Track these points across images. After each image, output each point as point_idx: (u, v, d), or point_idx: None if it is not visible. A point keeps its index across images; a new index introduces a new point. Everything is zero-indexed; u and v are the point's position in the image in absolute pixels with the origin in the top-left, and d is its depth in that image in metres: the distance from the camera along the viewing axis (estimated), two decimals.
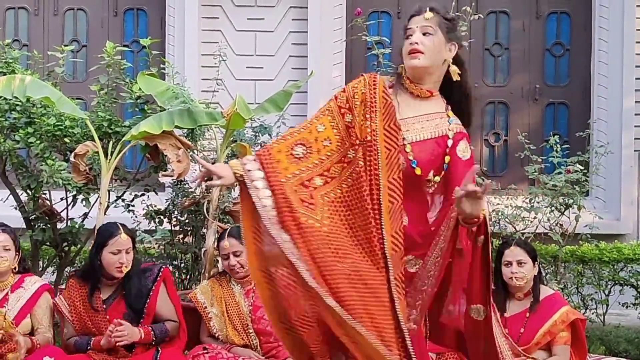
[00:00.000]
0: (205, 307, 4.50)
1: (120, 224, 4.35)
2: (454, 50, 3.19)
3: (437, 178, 3.14)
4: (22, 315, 4.15)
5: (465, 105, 3.28)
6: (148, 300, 4.26)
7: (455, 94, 3.25)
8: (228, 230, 4.63)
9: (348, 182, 3.07)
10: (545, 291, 4.37)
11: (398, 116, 3.13)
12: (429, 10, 3.16)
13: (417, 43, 3.12)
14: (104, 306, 4.23)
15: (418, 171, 3.11)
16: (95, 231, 4.52)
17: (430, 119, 3.19)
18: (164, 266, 4.48)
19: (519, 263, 4.28)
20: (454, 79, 3.19)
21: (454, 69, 3.19)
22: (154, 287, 4.29)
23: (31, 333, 4.21)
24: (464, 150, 3.20)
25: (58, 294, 4.46)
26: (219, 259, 4.94)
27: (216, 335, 4.47)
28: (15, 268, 4.29)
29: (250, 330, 4.45)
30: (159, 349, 4.26)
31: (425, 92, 3.21)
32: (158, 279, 4.33)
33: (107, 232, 4.28)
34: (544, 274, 5.55)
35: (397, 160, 3.08)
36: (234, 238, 4.50)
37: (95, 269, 4.25)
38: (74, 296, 4.29)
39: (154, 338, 4.19)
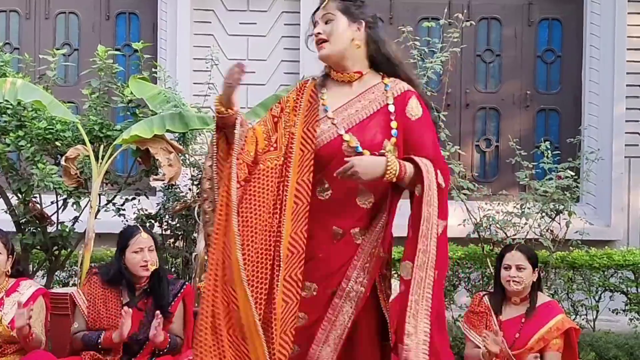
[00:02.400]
0: None
1: (141, 224, 4.37)
2: (362, 28, 3.17)
3: (390, 147, 3.09)
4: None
5: (401, 71, 3.25)
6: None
7: (386, 66, 3.24)
8: None
9: (258, 183, 3.07)
10: (542, 298, 4.36)
11: (328, 112, 3.14)
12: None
13: (319, 33, 3.15)
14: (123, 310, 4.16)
15: (366, 153, 3.06)
16: (118, 236, 4.43)
17: (363, 97, 3.17)
18: (187, 283, 4.46)
19: (518, 268, 4.29)
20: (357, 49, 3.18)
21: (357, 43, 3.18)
22: (173, 302, 4.26)
23: None
24: (414, 108, 3.16)
25: (76, 287, 4.40)
26: None
27: None
28: (8, 272, 4.25)
29: None
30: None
31: (353, 75, 3.20)
32: (179, 294, 4.31)
33: (127, 233, 4.30)
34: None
35: (310, 162, 3.08)
36: None
37: (122, 272, 4.23)
38: (96, 294, 4.24)
39: (167, 346, 4.15)
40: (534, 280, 4.34)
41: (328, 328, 3.07)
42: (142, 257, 4.19)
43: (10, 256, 4.25)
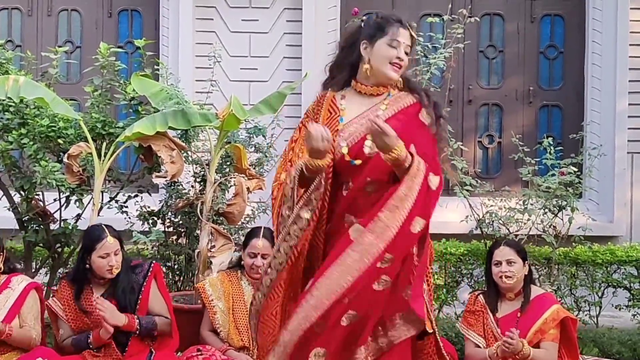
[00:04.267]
0: (212, 300, 4.48)
1: (105, 225, 4.33)
2: None
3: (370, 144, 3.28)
4: (11, 315, 4.12)
5: (414, 86, 3.48)
6: (140, 297, 4.27)
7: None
8: (262, 230, 4.61)
9: None
10: (535, 291, 4.40)
11: (340, 125, 3.32)
12: (411, 29, 3.40)
13: (402, 59, 3.35)
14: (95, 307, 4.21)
15: (358, 162, 3.27)
16: (83, 234, 4.48)
17: (371, 111, 3.34)
18: (153, 262, 4.48)
19: (509, 262, 4.31)
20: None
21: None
22: (145, 283, 4.30)
23: None
24: (425, 117, 3.37)
25: (51, 295, 4.43)
26: (213, 260, 4.93)
27: (218, 330, 4.46)
28: (0, 268, 4.27)
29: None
30: (152, 350, 4.26)
31: (381, 89, 3.39)
32: (149, 274, 4.34)
33: (93, 236, 4.26)
34: (537, 276, 5.57)
35: (330, 171, 3.27)
36: (267, 240, 4.51)
37: (83, 271, 4.26)
38: (67, 297, 4.29)
39: (138, 327, 4.19)
40: (525, 273, 4.36)
41: None
42: (108, 262, 4.20)
43: (1, 254, 4.27)
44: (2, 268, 4.29)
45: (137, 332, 4.20)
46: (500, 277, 4.31)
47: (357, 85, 3.39)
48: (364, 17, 3.48)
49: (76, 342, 4.21)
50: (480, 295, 4.43)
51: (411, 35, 3.37)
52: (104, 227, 4.30)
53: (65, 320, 4.27)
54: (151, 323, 4.25)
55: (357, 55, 3.38)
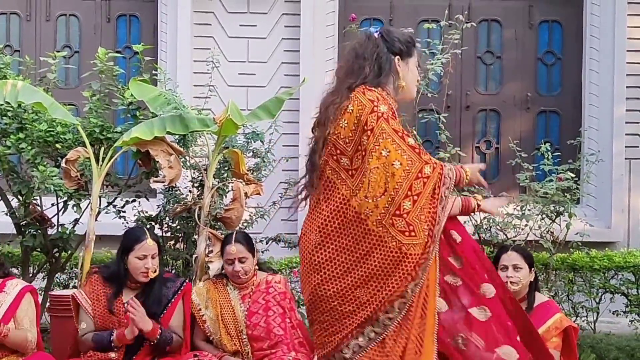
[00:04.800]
0: (200, 309, 4.48)
1: (147, 228, 4.36)
2: None
3: None
4: (6, 319, 4.10)
5: None
6: (165, 311, 4.25)
7: None
8: (234, 234, 4.61)
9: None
10: (539, 298, 4.39)
11: None
12: None
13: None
14: (124, 309, 4.19)
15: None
16: (122, 235, 4.43)
17: None
18: (187, 281, 4.47)
19: (515, 268, 4.30)
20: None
21: None
22: (173, 299, 4.28)
23: None
24: None
25: (78, 288, 4.40)
26: (210, 265, 4.93)
27: (211, 337, 4.45)
28: None
29: (244, 336, 4.43)
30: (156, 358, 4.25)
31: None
32: (179, 292, 4.33)
33: (133, 236, 4.28)
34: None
35: None
36: (241, 244, 4.50)
37: (120, 273, 4.25)
38: (98, 292, 4.26)
39: (158, 336, 4.14)
40: (531, 280, 4.36)
41: None
42: (145, 264, 4.20)
43: None
44: None
45: (154, 342, 4.16)
46: (506, 282, 4.30)
47: (392, 100, 3.42)
48: (379, 30, 3.45)
49: (98, 338, 4.17)
50: None
51: None
52: (145, 229, 4.34)
53: (91, 316, 4.24)
54: (169, 338, 4.21)
55: (389, 69, 3.37)
